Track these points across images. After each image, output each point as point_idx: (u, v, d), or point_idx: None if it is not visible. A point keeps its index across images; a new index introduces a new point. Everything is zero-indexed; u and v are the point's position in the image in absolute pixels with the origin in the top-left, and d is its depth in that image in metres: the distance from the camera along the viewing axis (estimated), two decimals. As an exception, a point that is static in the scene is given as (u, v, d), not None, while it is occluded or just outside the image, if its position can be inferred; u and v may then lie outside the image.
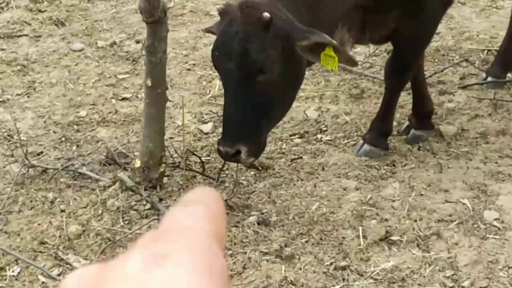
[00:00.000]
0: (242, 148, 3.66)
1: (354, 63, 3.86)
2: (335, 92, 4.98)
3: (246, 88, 3.71)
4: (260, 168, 4.32)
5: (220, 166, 4.14)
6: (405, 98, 4.65)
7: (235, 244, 3.75)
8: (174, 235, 0.59)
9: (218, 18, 5.29)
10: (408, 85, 4.58)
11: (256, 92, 3.72)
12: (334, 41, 3.63)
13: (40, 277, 3.57)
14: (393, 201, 4.02)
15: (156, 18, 3.89)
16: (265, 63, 3.67)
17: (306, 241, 3.77)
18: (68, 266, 3.66)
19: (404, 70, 4.40)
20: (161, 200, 4.05)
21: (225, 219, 0.66)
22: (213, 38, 5.76)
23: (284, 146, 4.54)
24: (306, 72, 4.14)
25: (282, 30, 3.65)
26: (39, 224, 3.94)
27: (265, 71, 3.67)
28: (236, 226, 3.86)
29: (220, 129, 4.57)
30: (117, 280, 0.55)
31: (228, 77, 3.78)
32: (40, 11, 6.17)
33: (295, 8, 3.79)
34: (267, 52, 3.66)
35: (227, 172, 4.20)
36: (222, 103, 4.92)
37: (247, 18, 3.65)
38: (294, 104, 4.81)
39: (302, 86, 5.05)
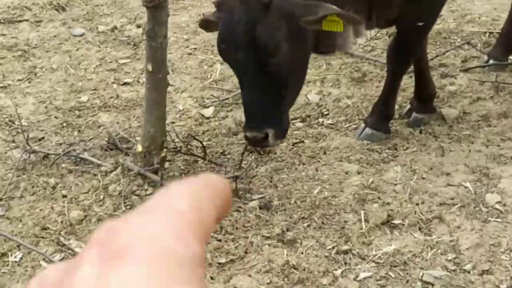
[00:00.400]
0: (269, 131, 3.69)
1: (358, 21, 3.75)
2: (336, 76, 4.97)
3: (260, 73, 3.72)
4: (261, 153, 4.33)
5: (221, 151, 4.14)
6: (407, 81, 4.64)
7: (237, 228, 3.75)
8: (140, 221, 0.56)
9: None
10: (410, 68, 4.57)
11: (270, 75, 3.73)
12: (338, 9, 3.61)
13: (42, 262, 3.57)
14: (395, 184, 4.01)
15: (156, 3, 3.88)
16: (273, 46, 3.66)
17: (308, 225, 3.77)
18: (70, 251, 3.66)
19: (407, 53, 4.41)
20: (162, 184, 4.05)
21: (227, 206, 0.62)
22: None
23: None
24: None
25: (283, 9, 3.64)
26: (40, 210, 3.94)
27: (275, 54, 3.67)
28: (238, 211, 3.86)
29: (222, 113, 4.59)
30: None
31: (240, 66, 3.78)
32: (39, -5, 6.18)
33: None
34: (272, 34, 3.65)
35: (228, 156, 4.20)
36: (224, 87, 4.96)
37: (246, 3, 3.64)
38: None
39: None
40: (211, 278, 3.47)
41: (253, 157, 4.28)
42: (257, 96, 3.74)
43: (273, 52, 3.68)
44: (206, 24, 4.05)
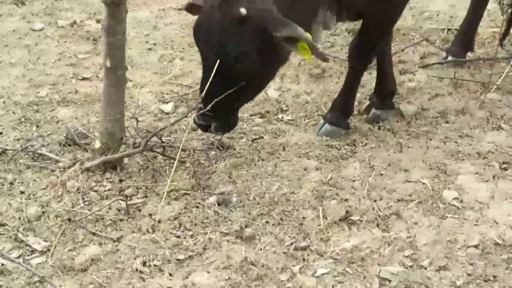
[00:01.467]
0: (213, 123, 3.89)
1: (324, 59, 3.91)
2: (296, 72, 4.98)
3: (221, 74, 3.79)
4: (220, 148, 4.32)
5: (181, 146, 4.11)
6: (366, 78, 4.65)
7: (195, 225, 3.74)
8: None
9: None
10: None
11: (230, 79, 3.82)
12: (307, 36, 3.70)
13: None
14: (353, 181, 4.03)
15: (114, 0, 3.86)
16: (240, 55, 3.77)
17: (267, 222, 3.77)
18: (28, 247, 3.62)
19: (369, 49, 4.44)
20: (121, 181, 4.03)
21: None
22: (173, 18, 5.80)
23: (244, 126, 4.55)
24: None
25: (258, 23, 3.72)
26: (-3, 209, 3.91)
27: (240, 62, 3.77)
28: (197, 207, 3.85)
29: (181, 109, 4.56)
30: None
31: (206, 60, 3.90)
32: (-1, -11, 6.13)
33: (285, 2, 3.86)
34: (242, 45, 3.76)
35: (187, 152, 4.19)
36: (183, 83, 4.95)
37: (224, 12, 3.74)
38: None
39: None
40: (170, 274, 3.45)
41: (212, 153, 4.28)
42: (212, 91, 3.79)
43: (238, 61, 3.78)
44: (191, 7, 4.10)
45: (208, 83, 3.78)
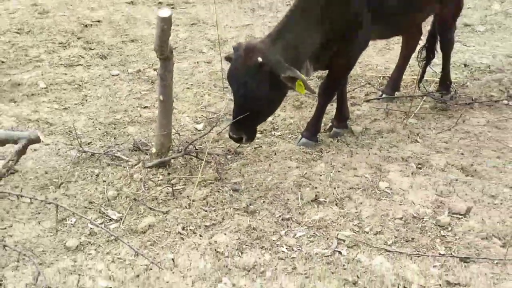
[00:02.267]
0: (243, 135, 4.01)
1: (313, 92, 3.99)
2: (283, 103, 5.00)
3: (244, 103, 3.91)
4: (234, 153, 4.34)
5: (208, 151, 4.13)
6: (329, 108, 4.66)
7: (217, 203, 3.74)
8: None
9: (208, 54, 5.32)
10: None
11: (251, 105, 3.90)
12: (303, 77, 3.82)
13: (89, 225, 3.55)
14: (320, 175, 4.02)
15: (165, 56, 3.86)
16: (257, 90, 3.83)
17: (263, 201, 3.78)
18: (107, 217, 3.65)
19: (333, 89, 4.45)
20: (169, 174, 4.04)
21: None
22: (203, 68, 5.82)
23: (250, 139, 4.56)
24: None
25: (270, 67, 3.78)
26: (88, 190, 3.92)
27: (257, 95, 3.84)
28: (218, 191, 3.86)
29: (208, 128, 4.58)
30: None
31: (235, 94, 3.98)
32: (90, 49, 6.15)
33: (283, 50, 3.87)
34: (259, 83, 3.81)
35: (212, 156, 4.20)
36: (210, 110, 4.97)
37: (246, 60, 3.82)
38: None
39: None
40: (200, 235, 3.47)
41: (228, 156, 4.29)
42: (240, 113, 3.90)
43: (255, 93, 3.84)
44: (229, 58, 4.09)
45: (235, 109, 3.98)
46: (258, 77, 3.78)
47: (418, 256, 3.32)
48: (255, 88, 3.81)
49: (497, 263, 3.26)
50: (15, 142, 3.98)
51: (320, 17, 4.01)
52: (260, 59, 3.74)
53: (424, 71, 5.28)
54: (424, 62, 5.23)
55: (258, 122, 4.14)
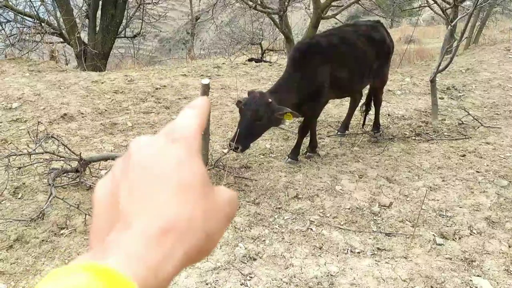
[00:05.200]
0: (239, 146, 3.78)
1: (298, 116, 3.89)
2: (276, 137, 5.03)
3: (249, 124, 3.79)
4: (245, 167, 4.35)
5: (229, 165, 4.14)
6: (305, 140, 4.67)
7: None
8: (180, 128, 0.44)
9: (230, 106, 5.31)
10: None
11: (252, 128, 3.80)
12: (291, 110, 3.77)
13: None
14: (300, 181, 4.03)
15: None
16: (261, 117, 3.76)
17: (264, 197, 3.78)
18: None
19: (306, 129, 4.46)
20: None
21: (207, 113, 0.48)
22: (227, 115, 5.81)
23: (256, 159, 4.55)
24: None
25: (272, 107, 3.75)
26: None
27: (260, 120, 3.77)
28: (238, 190, 3.88)
29: (231, 153, 4.60)
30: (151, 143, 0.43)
31: (245, 117, 3.82)
32: (159, 102, 6.19)
33: (275, 99, 3.84)
34: (263, 114, 3.75)
35: (232, 168, 4.21)
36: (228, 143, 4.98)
37: (260, 99, 3.78)
38: (262, 142, 4.86)
39: (268, 136, 5.09)
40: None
41: (242, 169, 4.32)
42: (241, 130, 3.78)
43: (259, 119, 3.77)
44: (238, 102, 4.00)
45: (238, 130, 3.82)
46: (264, 109, 3.76)
47: (360, 232, 3.33)
48: (260, 116, 3.77)
49: (408, 236, 3.27)
50: (113, 159, 4.03)
51: (296, 87, 4.06)
52: (270, 100, 3.76)
53: (364, 118, 5.34)
54: (364, 113, 5.28)
55: (251, 139, 3.95)
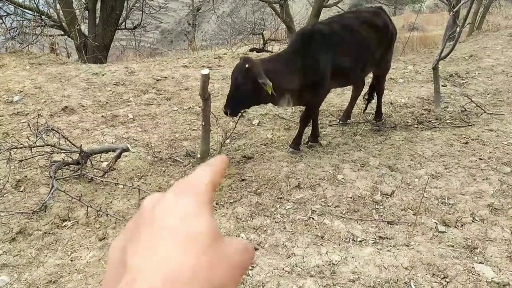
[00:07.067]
0: (228, 110, 3.76)
1: (273, 95, 3.73)
2: (278, 127, 5.02)
3: (233, 92, 3.74)
4: (247, 157, 4.36)
5: (231, 156, 4.14)
6: (306, 130, 4.66)
7: (238, 188, 3.76)
8: (190, 183, 0.45)
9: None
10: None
11: (237, 93, 3.73)
12: (270, 83, 3.66)
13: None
14: (301, 171, 4.02)
15: (206, 98, 3.91)
16: (242, 84, 3.69)
17: (266, 187, 3.78)
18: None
19: (308, 118, 4.43)
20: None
21: (223, 171, 0.49)
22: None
23: (258, 149, 4.55)
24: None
25: (254, 73, 3.66)
26: (158, 180, 3.94)
27: (244, 86, 3.69)
28: (239, 181, 3.87)
29: (232, 144, 4.58)
30: (161, 201, 0.43)
31: (231, 83, 3.79)
32: (160, 94, 6.19)
33: (266, 69, 3.75)
34: (243, 79, 3.68)
35: (232, 160, 4.21)
36: (238, 134, 4.97)
37: (241, 65, 3.70)
38: (264, 132, 4.85)
39: (270, 126, 5.07)
40: (226, 208, 3.48)
41: (244, 159, 4.31)
42: (231, 97, 3.76)
43: (241, 85, 3.69)
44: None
45: (229, 95, 3.80)
46: (244, 75, 3.68)
47: (362, 220, 3.33)
48: (242, 82, 3.70)
49: (410, 224, 3.27)
50: (113, 151, 4.04)
51: (297, 72, 4.02)
52: (247, 65, 3.68)
53: (366, 106, 5.31)
54: (367, 101, 5.26)
55: (240, 105, 3.88)
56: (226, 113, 3.83)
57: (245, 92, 3.74)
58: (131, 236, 0.41)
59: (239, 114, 4.05)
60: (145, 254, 0.38)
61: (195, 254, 0.37)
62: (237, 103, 3.82)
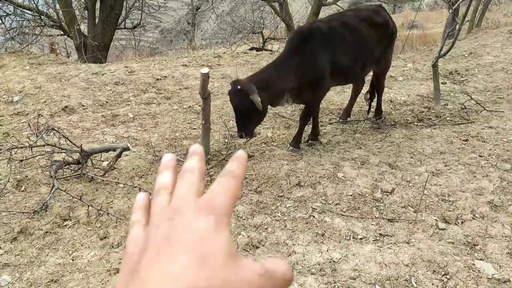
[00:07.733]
0: (243, 134, 3.81)
1: (259, 106, 3.72)
2: (278, 125, 5.02)
3: (239, 113, 3.77)
4: (248, 156, 4.36)
5: (230, 154, 4.14)
6: (306, 128, 4.66)
7: (238, 186, 3.77)
8: (212, 203, 0.44)
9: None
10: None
11: (243, 114, 3.76)
12: (256, 98, 3.66)
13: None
14: (301, 169, 4.03)
15: (206, 97, 3.91)
16: (241, 104, 3.71)
17: (266, 185, 3.79)
18: (171, 196, 3.68)
19: (308, 116, 4.43)
20: (207, 169, 4.04)
21: (242, 181, 0.48)
22: (229, 105, 5.77)
23: (258, 148, 4.56)
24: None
25: (246, 91, 3.66)
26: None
27: (244, 106, 3.70)
28: (238, 179, 3.88)
29: (232, 142, 4.59)
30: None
31: (233, 109, 3.83)
32: (160, 93, 6.19)
33: (257, 81, 3.78)
34: (242, 100, 3.69)
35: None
36: (233, 130, 4.98)
37: (233, 88, 3.72)
38: (264, 131, 4.85)
39: (270, 125, 5.07)
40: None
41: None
42: (237, 120, 3.80)
43: (241, 106, 3.71)
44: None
45: (236, 120, 3.84)
46: (240, 97, 3.70)
47: (362, 218, 3.33)
48: (240, 103, 3.72)
49: (410, 222, 3.27)
50: (114, 150, 4.04)
51: (294, 72, 4.01)
52: (239, 87, 3.69)
53: (369, 106, 5.29)
54: (369, 100, 5.25)
55: (251, 124, 3.89)
56: (241, 136, 3.84)
57: (248, 111, 3.77)
58: (144, 247, 0.41)
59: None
60: (159, 271, 0.37)
61: (209, 271, 0.37)
62: (247, 124, 3.86)
